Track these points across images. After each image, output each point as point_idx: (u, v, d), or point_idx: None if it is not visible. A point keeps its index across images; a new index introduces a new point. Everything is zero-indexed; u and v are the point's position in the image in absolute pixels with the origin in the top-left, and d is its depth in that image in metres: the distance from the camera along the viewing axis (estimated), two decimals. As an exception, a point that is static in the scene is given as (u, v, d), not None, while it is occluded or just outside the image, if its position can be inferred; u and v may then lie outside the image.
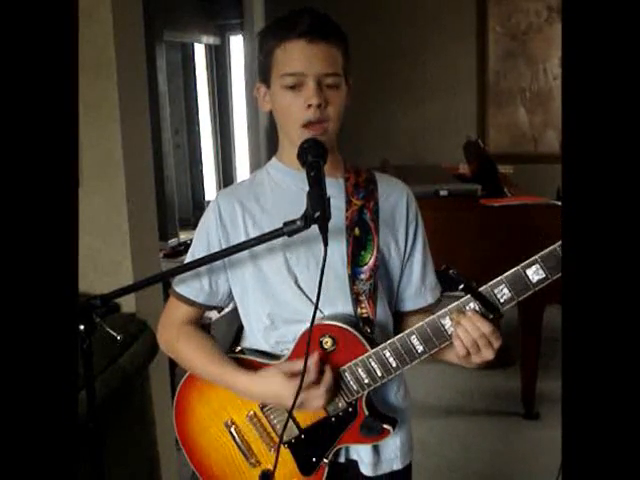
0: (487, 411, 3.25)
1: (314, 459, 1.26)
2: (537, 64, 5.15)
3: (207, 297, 1.31)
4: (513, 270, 1.10)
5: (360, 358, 1.20)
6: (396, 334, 1.20)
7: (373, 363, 1.19)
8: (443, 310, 1.15)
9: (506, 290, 1.11)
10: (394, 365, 1.19)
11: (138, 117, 2.18)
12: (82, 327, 1.10)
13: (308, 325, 1.13)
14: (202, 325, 1.36)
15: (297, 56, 1.18)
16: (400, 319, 1.36)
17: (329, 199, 1.09)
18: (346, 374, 1.21)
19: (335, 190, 1.26)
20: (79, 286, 1.00)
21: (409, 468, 1.36)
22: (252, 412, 1.28)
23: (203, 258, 1.19)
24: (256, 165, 5.34)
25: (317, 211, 1.06)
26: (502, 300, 1.12)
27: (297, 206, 1.10)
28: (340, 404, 1.23)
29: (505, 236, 2.98)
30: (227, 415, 1.30)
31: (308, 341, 1.14)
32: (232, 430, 1.30)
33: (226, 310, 1.37)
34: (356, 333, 1.20)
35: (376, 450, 1.29)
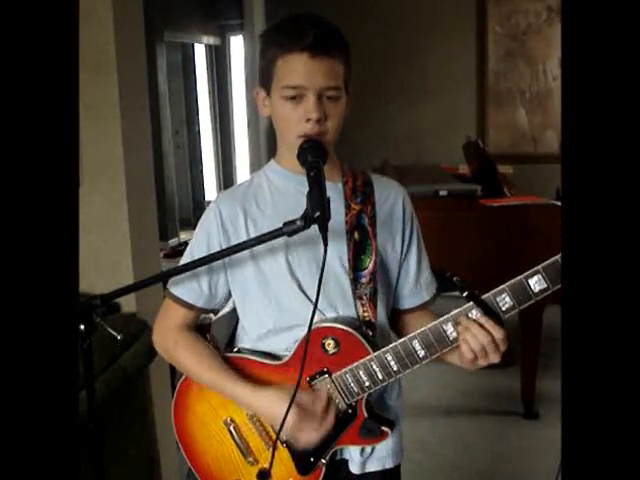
0: (487, 411, 3.25)
1: (312, 459, 1.26)
2: (537, 64, 5.14)
3: (206, 300, 1.30)
4: (516, 279, 1.12)
5: (362, 361, 1.20)
6: (393, 331, 1.19)
7: (375, 366, 1.20)
8: (445, 316, 1.16)
9: (508, 299, 1.12)
10: (395, 369, 1.19)
11: (138, 117, 2.18)
12: (82, 327, 1.10)
13: (311, 327, 1.12)
14: (202, 325, 1.36)
15: (299, 69, 1.17)
16: (397, 317, 1.36)
17: (329, 199, 1.09)
18: (347, 375, 1.21)
19: (334, 194, 1.25)
20: (79, 286, 1.00)
21: (399, 468, 1.37)
22: (252, 412, 1.28)
23: (203, 258, 1.19)
24: (256, 165, 5.34)
25: (317, 211, 1.06)
26: (504, 308, 1.13)
27: (297, 209, 1.10)
28: (340, 405, 1.23)
29: (504, 236, 2.98)
30: (227, 413, 1.30)
31: (306, 342, 1.13)
32: (231, 428, 1.30)
33: (226, 310, 1.37)
34: (359, 336, 1.20)
35: (368, 448, 1.29)
